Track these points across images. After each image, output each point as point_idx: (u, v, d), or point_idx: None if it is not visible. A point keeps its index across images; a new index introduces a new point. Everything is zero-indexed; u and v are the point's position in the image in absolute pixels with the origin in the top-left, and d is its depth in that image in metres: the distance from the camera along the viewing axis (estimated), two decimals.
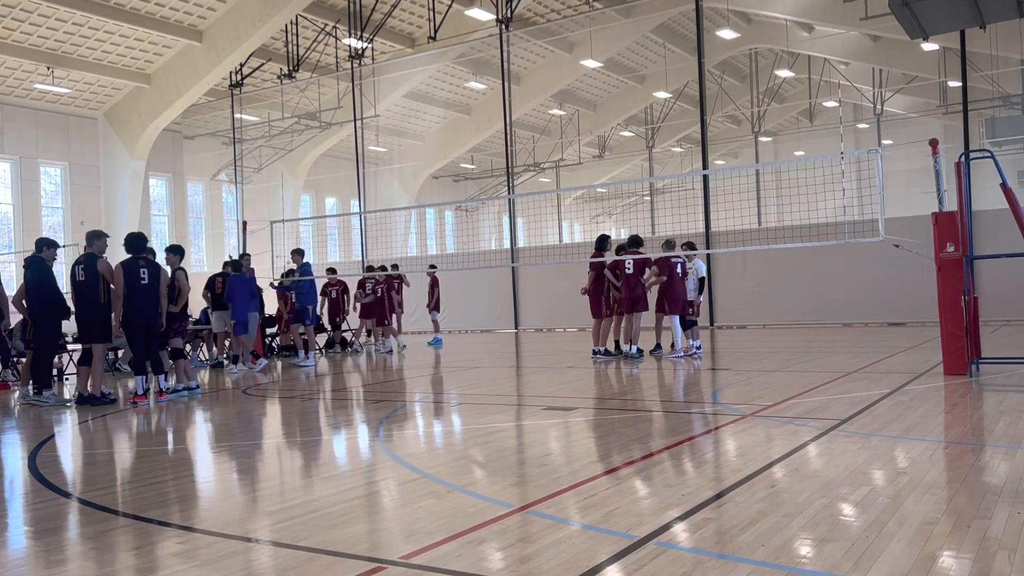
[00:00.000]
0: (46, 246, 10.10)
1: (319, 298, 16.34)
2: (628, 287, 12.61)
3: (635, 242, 13.11)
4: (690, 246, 13.06)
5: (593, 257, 13.13)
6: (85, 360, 9.61)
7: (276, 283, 15.69)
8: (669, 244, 12.79)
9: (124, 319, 9.43)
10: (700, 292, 13.09)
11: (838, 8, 24.30)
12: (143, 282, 9.44)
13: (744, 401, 7.80)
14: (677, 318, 12.64)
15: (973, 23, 15.73)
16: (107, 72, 25.38)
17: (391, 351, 16.75)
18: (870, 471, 4.75)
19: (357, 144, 27.77)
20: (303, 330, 14.98)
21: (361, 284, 17.06)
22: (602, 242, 13.19)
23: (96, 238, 9.70)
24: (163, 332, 9.91)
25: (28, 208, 26.17)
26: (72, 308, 9.90)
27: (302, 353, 14.62)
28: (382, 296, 16.73)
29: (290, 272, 15.64)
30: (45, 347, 9.92)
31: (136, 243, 9.68)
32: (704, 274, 13.42)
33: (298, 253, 14.99)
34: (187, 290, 10.58)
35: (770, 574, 3.16)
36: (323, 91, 29.50)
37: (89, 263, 9.49)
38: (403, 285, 17.74)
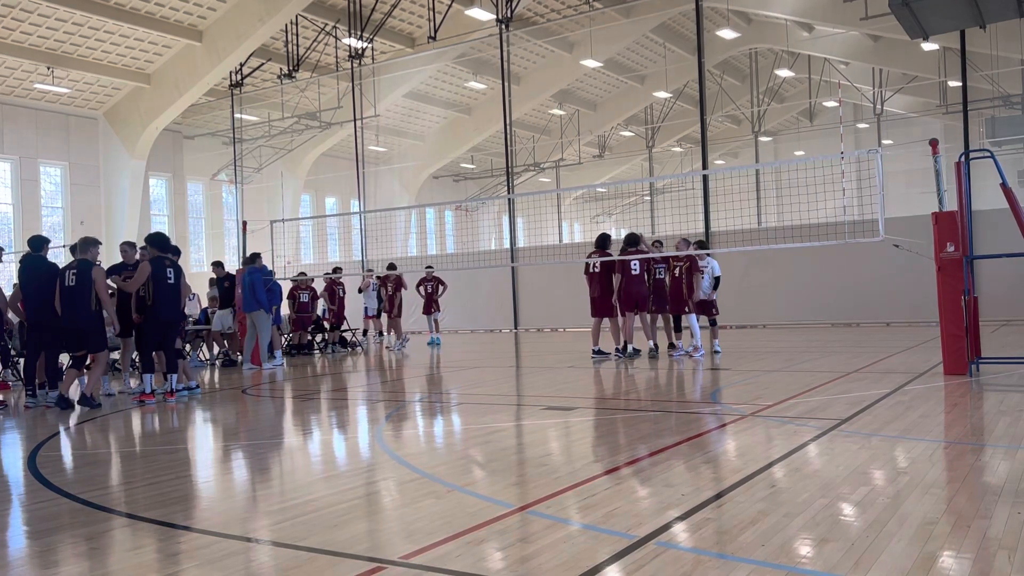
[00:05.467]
0: (44, 243, 10.00)
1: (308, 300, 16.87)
2: (632, 286, 12.58)
3: (634, 241, 13.06)
4: (701, 245, 13.20)
5: (600, 256, 13.00)
6: (77, 365, 9.47)
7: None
8: (686, 242, 12.83)
9: (148, 318, 9.45)
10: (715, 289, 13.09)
11: (838, 8, 24.29)
12: (169, 281, 9.51)
13: (744, 401, 7.80)
14: (694, 316, 12.68)
15: (973, 23, 15.75)
16: (107, 72, 25.39)
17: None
18: (870, 471, 4.75)
19: (357, 144, 27.77)
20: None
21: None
22: (604, 241, 13.19)
23: (91, 245, 9.49)
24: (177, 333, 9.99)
25: (28, 208, 26.18)
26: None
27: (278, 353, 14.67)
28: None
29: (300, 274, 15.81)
30: (53, 348, 9.86)
31: (163, 242, 9.79)
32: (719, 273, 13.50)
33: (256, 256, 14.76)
34: (186, 290, 10.57)
35: (770, 574, 3.16)
36: (323, 91, 29.49)
37: (82, 269, 9.21)
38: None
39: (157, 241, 9.83)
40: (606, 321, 12.97)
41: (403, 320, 18.17)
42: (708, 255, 12.93)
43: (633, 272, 12.56)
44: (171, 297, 9.55)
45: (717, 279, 13.01)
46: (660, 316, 13.32)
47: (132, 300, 9.79)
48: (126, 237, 22.16)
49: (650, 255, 12.76)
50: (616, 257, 12.78)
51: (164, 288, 9.46)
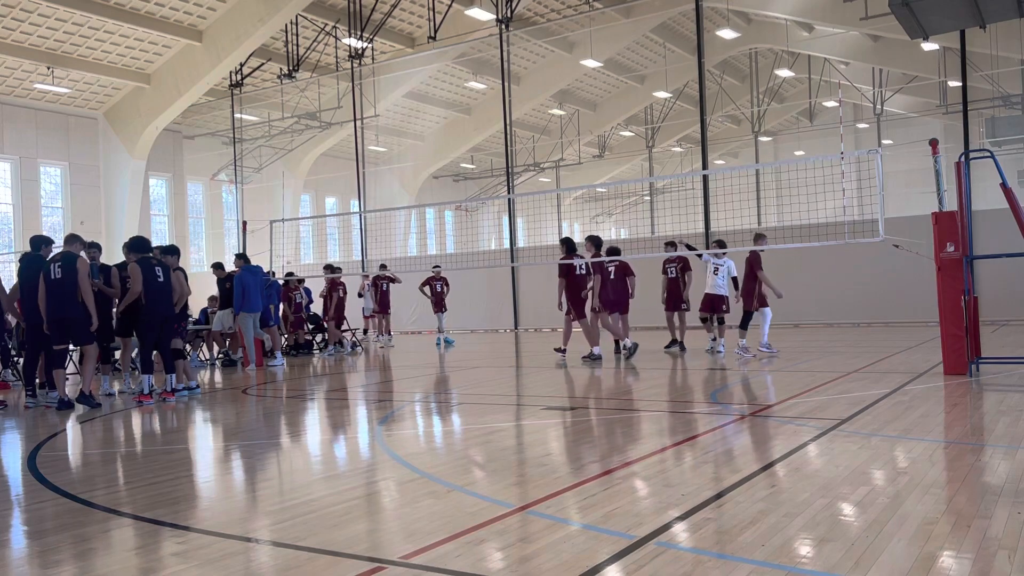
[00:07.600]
0: (44, 244, 10.04)
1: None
2: (610, 288, 12.73)
3: (599, 243, 13.28)
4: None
5: (595, 256, 13.07)
6: (58, 363, 9.40)
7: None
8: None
9: (142, 317, 9.53)
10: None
11: (838, 8, 24.29)
12: (159, 279, 9.62)
13: (744, 401, 7.80)
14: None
15: (973, 23, 15.74)
16: (107, 72, 25.38)
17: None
18: (870, 471, 4.75)
19: (357, 144, 27.76)
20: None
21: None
22: (572, 243, 13.34)
23: (77, 241, 9.59)
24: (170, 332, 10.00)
25: (28, 208, 26.18)
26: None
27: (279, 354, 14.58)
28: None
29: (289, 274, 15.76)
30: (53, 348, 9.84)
31: (140, 245, 9.95)
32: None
33: (240, 258, 14.69)
34: (186, 291, 10.56)
35: (770, 574, 3.16)
36: (323, 91, 29.49)
37: (67, 261, 9.21)
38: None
39: (135, 246, 9.95)
40: (597, 321, 13.02)
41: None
42: (709, 254, 13.04)
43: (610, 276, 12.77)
44: (163, 294, 9.65)
45: (734, 279, 13.08)
46: (677, 314, 13.53)
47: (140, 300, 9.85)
48: (126, 237, 22.17)
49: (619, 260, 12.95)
50: (634, 257, 12.82)
51: (155, 285, 9.59)
